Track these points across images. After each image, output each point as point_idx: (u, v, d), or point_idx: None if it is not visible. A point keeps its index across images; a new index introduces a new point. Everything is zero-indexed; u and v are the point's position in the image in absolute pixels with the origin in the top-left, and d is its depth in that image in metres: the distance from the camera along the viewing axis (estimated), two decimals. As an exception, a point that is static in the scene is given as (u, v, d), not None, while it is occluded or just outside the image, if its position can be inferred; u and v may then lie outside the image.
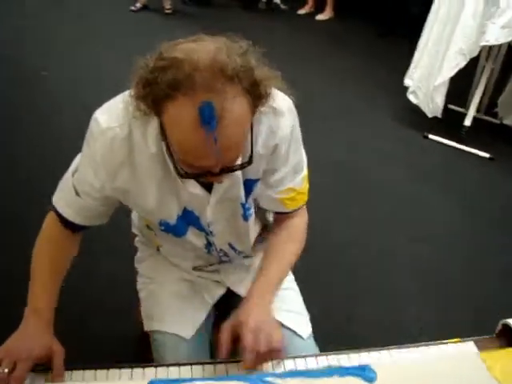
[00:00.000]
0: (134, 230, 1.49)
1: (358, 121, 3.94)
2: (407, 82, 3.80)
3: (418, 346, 1.13)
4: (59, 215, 1.18)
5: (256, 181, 1.16)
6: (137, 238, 1.50)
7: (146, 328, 1.34)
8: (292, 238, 1.27)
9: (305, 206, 1.28)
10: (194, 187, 1.09)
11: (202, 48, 0.87)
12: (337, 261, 2.56)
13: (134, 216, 1.47)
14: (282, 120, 1.09)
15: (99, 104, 1.08)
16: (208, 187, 1.11)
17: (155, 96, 0.86)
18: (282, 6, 6.75)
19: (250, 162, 1.00)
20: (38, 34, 5.30)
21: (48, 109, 3.84)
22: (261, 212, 1.32)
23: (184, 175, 0.97)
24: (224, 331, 1.08)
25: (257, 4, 6.75)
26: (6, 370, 0.97)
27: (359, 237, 2.74)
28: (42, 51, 4.86)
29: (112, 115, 1.04)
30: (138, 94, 0.90)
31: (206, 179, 1.00)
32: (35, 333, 1.06)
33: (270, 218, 1.39)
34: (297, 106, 1.12)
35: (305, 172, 1.23)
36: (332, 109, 4.11)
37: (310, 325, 1.36)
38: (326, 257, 2.52)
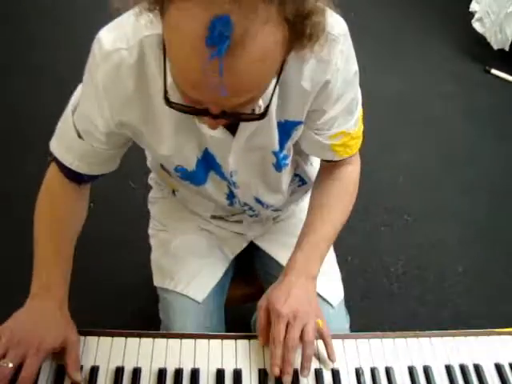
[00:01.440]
0: (149, 165, 1.29)
1: (413, 50, 3.55)
2: (473, 6, 3.39)
3: (465, 335, 0.97)
4: (60, 164, 0.97)
5: (297, 123, 0.92)
6: (151, 175, 1.31)
7: (156, 283, 1.18)
8: (343, 192, 1.05)
9: (358, 153, 1.05)
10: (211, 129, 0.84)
11: None
12: (383, 203, 2.34)
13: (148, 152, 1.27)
14: (335, 49, 0.82)
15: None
16: (232, 129, 0.88)
17: None
18: None
19: (262, 115, 0.75)
20: None
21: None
22: (296, 156, 1.09)
23: (171, 104, 0.72)
24: (261, 313, 0.92)
25: None
26: (11, 365, 0.78)
27: (408, 179, 2.50)
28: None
29: (119, 34, 0.81)
30: None
31: (200, 119, 0.77)
32: (49, 318, 0.86)
33: (309, 164, 1.17)
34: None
35: (359, 112, 0.98)
36: (383, 36, 3.71)
37: (341, 289, 1.18)
38: (371, 199, 2.31)
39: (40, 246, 0.94)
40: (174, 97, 0.72)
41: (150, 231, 1.27)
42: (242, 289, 1.33)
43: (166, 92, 0.72)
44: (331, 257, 1.23)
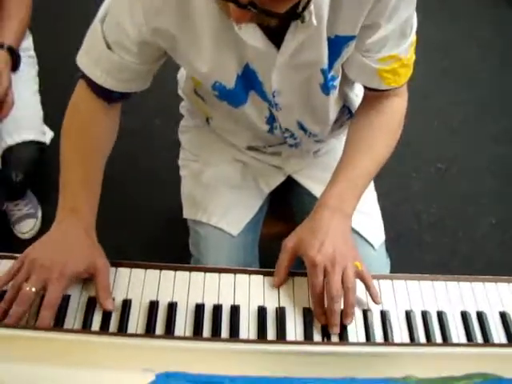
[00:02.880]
0: (180, 93, 1.20)
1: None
2: None
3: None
4: (87, 79, 0.88)
5: (350, 38, 0.81)
6: (182, 103, 1.22)
7: (186, 215, 1.11)
8: (386, 125, 0.94)
9: (406, 85, 0.94)
10: (253, 37, 0.75)
11: None
12: (415, 148, 2.23)
13: (181, 75, 1.18)
14: None
15: None
16: (277, 42, 0.78)
17: None
18: None
19: (297, 16, 0.66)
20: None
21: None
22: (343, 85, 0.98)
23: None
24: (285, 255, 0.83)
25: None
26: (34, 290, 0.73)
27: (442, 125, 2.38)
28: None
29: None
30: None
31: (224, 9, 0.66)
32: (73, 240, 0.80)
33: (354, 95, 1.07)
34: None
35: (413, 37, 0.87)
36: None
37: (382, 229, 1.11)
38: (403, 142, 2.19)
39: (67, 168, 0.87)
40: None
41: (181, 162, 1.19)
42: (275, 226, 1.26)
43: None
44: (372, 195, 1.15)
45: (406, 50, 0.86)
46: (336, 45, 0.82)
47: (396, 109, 0.95)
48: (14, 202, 1.81)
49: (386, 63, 0.86)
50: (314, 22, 0.72)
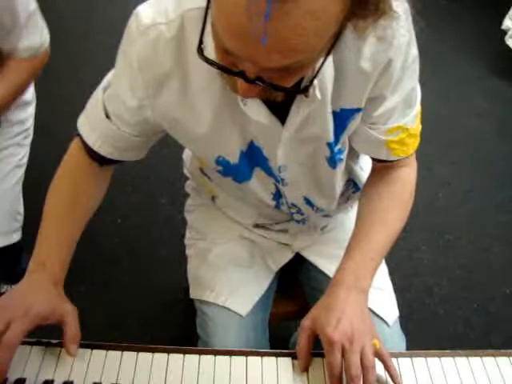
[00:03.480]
0: (186, 172, 1.21)
1: (445, 67, 3.48)
2: (506, 23, 3.30)
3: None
4: (83, 141, 0.90)
5: (356, 111, 0.82)
6: (188, 182, 1.23)
7: (192, 295, 1.08)
8: (399, 197, 0.93)
9: (414, 155, 0.94)
10: (258, 112, 0.76)
11: None
12: (423, 220, 2.22)
13: (186, 155, 1.19)
14: (397, 26, 0.73)
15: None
16: (281, 116, 0.79)
17: None
18: None
19: (304, 90, 0.67)
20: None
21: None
22: (348, 159, 0.98)
23: (204, 57, 0.63)
24: (304, 335, 0.80)
25: None
26: None
27: (447, 196, 2.38)
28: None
29: (158, 9, 0.74)
30: None
31: (234, 87, 0.66)
32: (40, 288, 0.80)
33: (359, 168, 1.07)
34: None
35: (418, 107, 0.88)
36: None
37: (395, 304, 1.07)
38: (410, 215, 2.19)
39: (46, 222, 0.88)
40: (207, 52, 0.63)
41: (187, 241, 1.18)
42: (284, 304, 1.23)
43: (201, 42, 0.62)
44: (383, 269, 1.13)
45: (413, 119, 0.87)
46: (342, 118, 0.82)
47: (406, 179, 0.94)
48: None
49: (393, 134, 0.86)
50: (319, 96, 0.73)
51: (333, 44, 0.59)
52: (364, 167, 1.07)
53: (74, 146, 0.93)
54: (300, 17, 0.51)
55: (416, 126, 0.89)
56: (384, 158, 0.90)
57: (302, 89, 0.67)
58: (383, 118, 0.84)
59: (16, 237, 1.47)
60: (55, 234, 0.87)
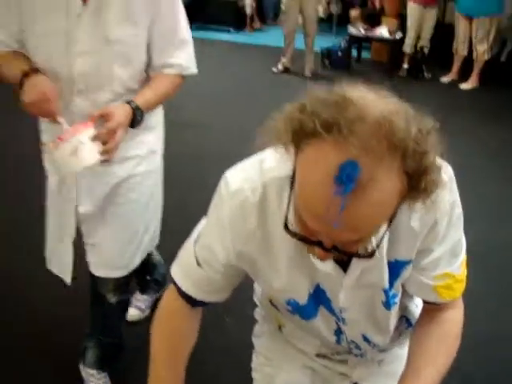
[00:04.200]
0: (256, 300, 1.35)
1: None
2: None
3: None
4: (177, 287, 1.07)
5: (407, 263, 0.96)
6: (257, 309, 1.35)
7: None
8: (446, 336, 1.02)
9: (461, 297, 1.04)
10: (326, 265, 0.91)
11: (381, 101, 0.72)
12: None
13: (257, 286, 1.34)
14: (442, 192, 0.86)
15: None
16: (344, 266, 0.93)
17: (302, 128, 0.70)
18: (426, 74, 6.53)
19: (371, 254, 0.81)
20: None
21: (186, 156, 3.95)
22: (403, 298, 1.09)
23: (289, 230, 0.80)
24: None
25: (398, 71, 6.60)
26: None
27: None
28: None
29: (244, 176, 0.92)
30: (283, 125, 0.75)
31: (312, 250, 0.82)
32: None
33: (414, 305, 1.17)
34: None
35: (463, 255, 1.00)
36: (483, 182, 3.80)
37: None
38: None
39: (156, 364, 1.03)
40: (293, 228, 0.80)
41: (254, 365, 1.29)
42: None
43: (286, 219, 0.79)
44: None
45: (459, 267, 0.99)
46: (395, 267, 0.96)
47: (453, 320, 1.04)
48: None
49: (440, 280, 0.98)
50: (377, 254, 0.87)
51: (392, 216, 0.75)
52: (419, 305, 1.17)
53: (170, 292, 1.10)
54: (368, 207, 0.68)
55: (461, 273, 1.00)
56: (433, 301, 1.01)
57: (369, 254, 0.81)
58: (431, 266, 0.96)
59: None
60: (166, 372, 1.05)
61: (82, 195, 1.66)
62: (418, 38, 6.47)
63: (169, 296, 1.10)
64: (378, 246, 0.81)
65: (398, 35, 6.59)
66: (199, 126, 4.59)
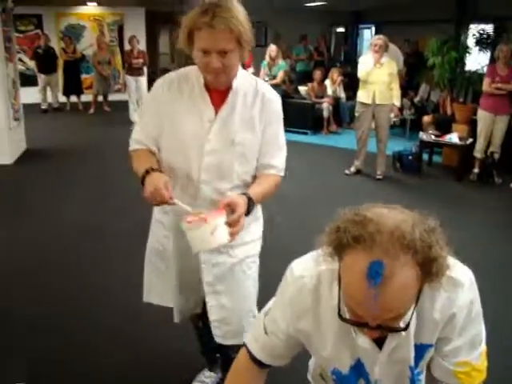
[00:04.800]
0: (309, 378, 1.64)
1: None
2: None
3: None
4: (248, 351, 1.39)
5: (429, 346, 1.22)
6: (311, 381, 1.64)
7: None
8: None
9: None
10: (365, 342, 1.19)
11: (391, 215, 1.04)
12: None
13: (311, 363, 1.63)
14: (461, 291, 1.15)
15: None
16: (379, 344, 1.20)
17: (340, 242, 1.04)
18: (496, 179, 6.60)
19: (405, 328, 1.09)
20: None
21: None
22: (430, 379, 1.34)
23: (343, 318, 1.11)
24: None
25: (468, 175, 6.74)
26: None
27: None
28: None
29: (305, 266, 1.27)
30: (327, 239, 1.08)
31: (362, 330, 1.13)
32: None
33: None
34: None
35: (483, 347, 1.23)
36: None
37: None
38: None
39: None
40: (344, 314, 1.12)
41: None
42: None
43: (339, 310, 1.12)
44: None
45: (478, 357, 1.22)
46: (420, 349, 1.23)
47: None
48: None
49: (460, 367, 1.22)
50: (405, 333, 1.14)
51: (418, 297, 1.05)
52: None
53: (242, 354, 1.43)
54: (395, 292, 0.99)
55: (481, 363, 1.23)
56: None
57: (404, 328, 1.09)
58: (452, 353, 1.22)
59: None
60: None
61: (205, 268, 1.97)
62: (489, 143, 6.60)
63: (241, 357, 1.42)
64: (409, 322, 1.09)
65: (469, 140, 6.77)
66: (266, 221, 4.88)
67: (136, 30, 11.82)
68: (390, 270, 0.97)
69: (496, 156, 6.62)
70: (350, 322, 1.10)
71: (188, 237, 1.61)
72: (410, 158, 6.99)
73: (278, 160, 1.92)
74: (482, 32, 8.84)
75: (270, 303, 1.39)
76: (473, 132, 6.85)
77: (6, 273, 3.80)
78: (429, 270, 1.01)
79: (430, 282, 1.04)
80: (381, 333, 1.10)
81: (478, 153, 6.67)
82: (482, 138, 6.57)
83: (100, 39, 11.68)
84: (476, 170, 6.74)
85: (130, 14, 12.79)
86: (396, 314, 1.03)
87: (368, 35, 14.94)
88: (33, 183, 6.13)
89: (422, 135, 7.12)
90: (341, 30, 16.47)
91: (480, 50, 8.76)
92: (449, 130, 7.10)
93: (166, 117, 1.85)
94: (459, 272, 1.15)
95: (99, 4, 12.40)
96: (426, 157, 7.29)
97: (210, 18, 1.62)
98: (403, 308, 1.04)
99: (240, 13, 1.68)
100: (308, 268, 1.25)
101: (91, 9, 12.67)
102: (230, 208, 1.65)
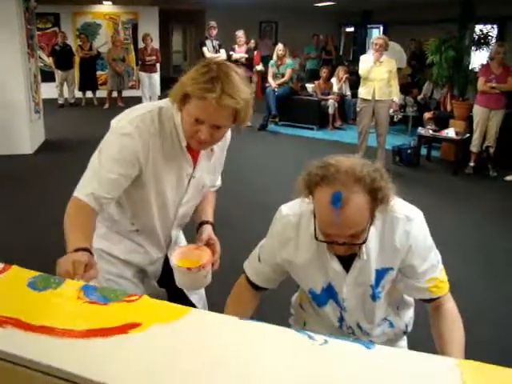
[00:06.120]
0: (292, 311, 1.99)
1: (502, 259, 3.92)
2: None
3: None
4: (246, 275, 1.76)
5: (390, 269, 1.55)
6: (291, 317, 1.99)
7: None
8: (455, 322, 1.53)
9: (449, 294, 1.58)
10: (335, 264, 1.54)
11: (347, 160, 1.38)
12: None
13: (293, 298, 1.99)
14: (414, 225, 1.49)
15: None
16: (347, 268, 1.54)
17: (310, 182, 1.39)
18: (491, 172, 6.88)
19: (363, 242, 1.43)
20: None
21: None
22: (388, 307, 1.68)
23: (318, 238, 1.44)
24: None
25: (464, 168, 7.02)
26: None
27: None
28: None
29: (290, 207, 1.63)
30: (302, 182, 1.42)
31: (331, 248, 1.47)
32: None
33: (396, 317, 1.74)
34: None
35: (441, 266, 1.57)
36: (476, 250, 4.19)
37: None
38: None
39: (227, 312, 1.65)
40: (319, 237, 1.46)
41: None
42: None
43: (316, 234, 1.46)
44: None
45: (440, 272, 1.56)
46: (381, 272, 1.56)
47: (452, 309, 1.55)
48: None
49: (430, 282, 1.54)
50: (365, 257, 1.50)
51: (371, 220, 1.40)
52: (402, 318, 1.78)
53: (242, 279, 1.79)
54: (352, 212, 1.33)
55: (443, 276, 1.56)
56: (428, 298, 1.56)
57: (362, 242, 1.43)
58: (421, 275, 1.54)
59: None
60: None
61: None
62: (484, 137, 6.89)
63: (241, 281, 1.79)
64: (366, 238, 1.42)
65: (465, 135, 7.06)
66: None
67: (150, 28, 12.31)
68: (346, 197, 1.30)
69: (491, 150, 6.89)
70: (323, 241, 1.45)
71: (180, 275, 1.74)
72: (409, 151, 7.29)
73: (219, 180, 2.07)
74: (480, 32, 9.11)
75: (263, 241, 1.75)
76: (470, 128, 7.13)
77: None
78: (375, 197, 1.34)
79: (379, 206, 1.38)
80: (347, 248, 1.43)
81: (474, 147, 6.95)
82: (478, 133, 6.85)
83: (115, 37, 12.19)
84: (472, 164, 7.02)
85: (143, 12, 13.27)
86: (355, 230, 1.37)
87: (376, 35, 15.22)
88: (51, 171, 6.56)
89: (421, 130, 7.42)
90: (350, 29, 16.80)
91: (476, 49, 9.03)
92: (447, 126, 7.38)
93: (141, 165, 1.67)
94: (412, 212, 1.51)
95: (114, 3, 12.87)
96: (424, 151, 7.59)
97: (219, 95, 1.47)
98: (360, 225, 1.35)
99: (244, 89, 1.55)
100: (293, 208, 1.60)
101: (107, 8, 13.17)
102: (209, 243, 1.84)
